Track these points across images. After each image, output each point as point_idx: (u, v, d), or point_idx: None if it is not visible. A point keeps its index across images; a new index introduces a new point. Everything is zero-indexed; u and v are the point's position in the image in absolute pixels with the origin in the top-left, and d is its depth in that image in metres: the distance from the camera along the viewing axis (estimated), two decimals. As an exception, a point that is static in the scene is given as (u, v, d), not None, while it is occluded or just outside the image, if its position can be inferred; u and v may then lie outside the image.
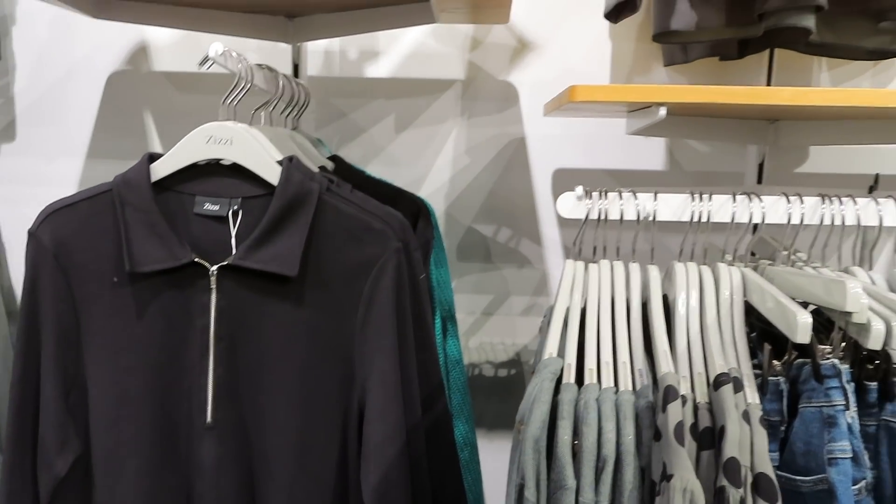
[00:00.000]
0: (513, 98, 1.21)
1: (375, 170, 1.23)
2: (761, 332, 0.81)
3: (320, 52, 1.24)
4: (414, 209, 1.02)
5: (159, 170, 0.84)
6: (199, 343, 0.85)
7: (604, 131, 1.19)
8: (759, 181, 1.10)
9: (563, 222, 1.22)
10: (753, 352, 0.79)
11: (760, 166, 1.10)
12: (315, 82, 1.24)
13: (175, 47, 1.25)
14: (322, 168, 0.99)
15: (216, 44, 0.80)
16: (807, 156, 1.18)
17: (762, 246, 0.97)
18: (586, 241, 0.86)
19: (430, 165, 1.23)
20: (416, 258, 0.92)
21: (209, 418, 0.86)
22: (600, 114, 1.02)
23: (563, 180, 1.22)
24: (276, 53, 1.24)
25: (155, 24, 1.07)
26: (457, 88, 1.21)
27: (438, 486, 0.93)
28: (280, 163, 0.84)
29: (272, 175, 0.84)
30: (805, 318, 0.66)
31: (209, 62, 0.80)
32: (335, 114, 1.24)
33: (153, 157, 0.86)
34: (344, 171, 1.06)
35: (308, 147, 1.03)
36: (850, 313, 0.66)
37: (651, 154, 1.20)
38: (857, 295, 0.65)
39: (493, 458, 1.25)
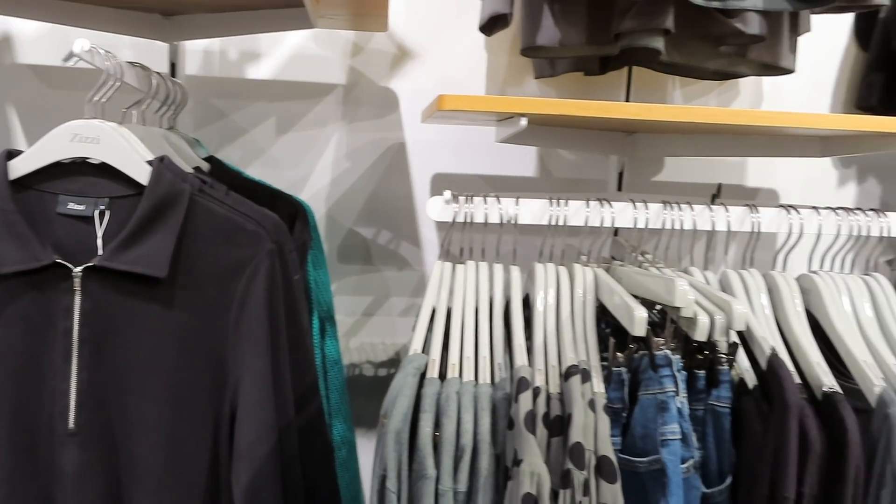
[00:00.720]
0: (393, 104, 1.24)
1: (256, 172, 1.23)
2: (615, 329, 0.88)
3: (199, 52, 1.22)
4: (291, 211, 1.03)
5: (18, 167, 0.81)
6: (61, 346, 0.83)
7: (479, 138, 1.25)
8: (620, 188, 1.18)
9: (441, 225, 1.27)
10: (607, 346, 0.86)
11: (620, 175, 1.18)
12: (194, 82, 1.22)
13: (43, 40, 1.20)
14: (197, 169, 0.98)
15: (81, 39, 0.78)
16: (663, 166, 1.29)
17: (618, 248, 1.05)
18: (455, 242, 0.90)
19: (311, 168, 1.24)
20: (291, 259, 0.93)
21: (72, 424, 0.83)
22: (472, 122, 1.07)
23: (441, 184, 1.26)
24: (154, 51, 1.21)
25: (23, 17, 1.02)
26: (338, 93, 1.23)
27: (311, 486, 0.95)
28: (150, 162, 0.84)
29: (141, 175, 0.83)
30: (641, 313, 0.73)
31: (73, 59, 0.78)
32: (215, 114, 1.23)
33: (12, 154, 0.83)
34: (220, 172, 1.06)
35: (183, 147, 1.02)
36: (679, 308, 0.73)
37: (523, 161, 1.27)
38: (684, 292, 0.72)
39: (373, 456, 1.28)
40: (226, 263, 0.86)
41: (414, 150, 1.25)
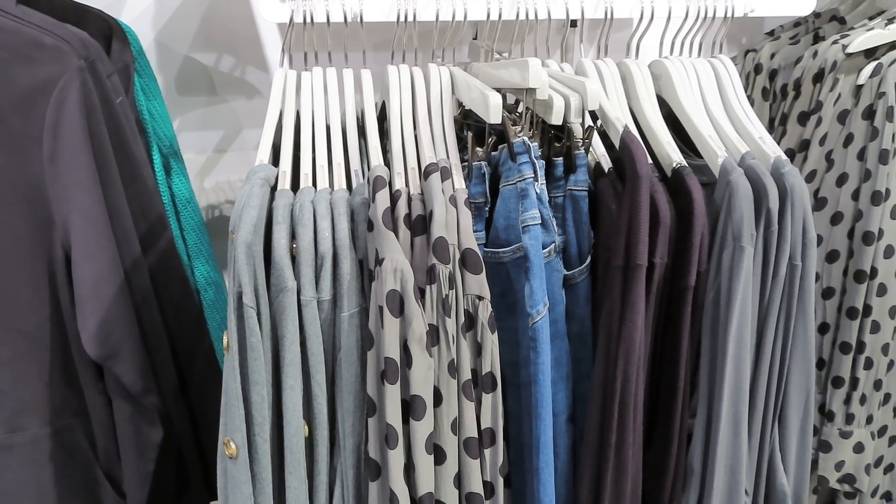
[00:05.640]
0: None
1: (59, -7, 1.05)
2: (477, 131, 0.85)
3: None
4: (105, 29, 0.89)
5: None
6: None
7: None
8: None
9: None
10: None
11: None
12: None
13: None
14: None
15: None
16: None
17: (477, 53, 1.00)
18: (299, 49, 0.82)
19: (128, -14, 1.07)
20: (109, 81, 0.82)
21: None
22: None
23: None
24: None
25: None
26: None
27: (174, 324, 0.90)
28: None
29: None
30: (496, 99, 0.70)
31: None
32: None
33: None
34: (8, -13, 0.89)
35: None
36: (534, 92, 0.71)
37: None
38: (537, 72, 0.69)
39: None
40: (25, 86, 0.74)
41: (247, -41, 1.11)
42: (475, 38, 1.05)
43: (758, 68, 1.19)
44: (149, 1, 1.09)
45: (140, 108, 0.94)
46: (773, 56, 1.17)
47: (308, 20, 0.79)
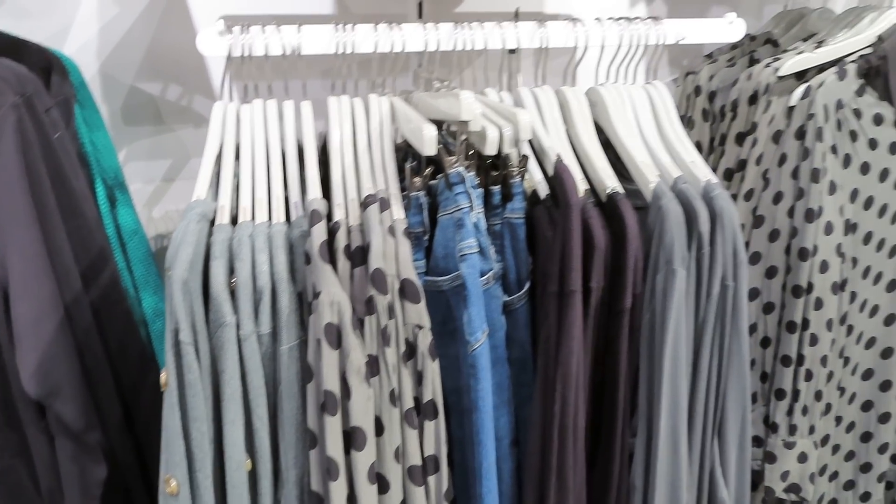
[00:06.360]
0: (157, -66, 1.08)
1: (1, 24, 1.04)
2: (420, 160, 0.86)
3: None
4: (43, 63, 0.89)
5: None
6: None
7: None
8: (420, 19, 1.13)
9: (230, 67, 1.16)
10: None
11: (420, 6, 1.13)
12: None
13: None
14: None
15: None
16: (464, -5, 1.24)
17: (420, 81, 1.01)
18: (241, 82, 0.82)
19: (70, 18, 1.07)
20: (47, 116, 0.81)
21: None
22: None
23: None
24: None
25: None
26: (89, -76, 1.05)
27: (119, 358, 0.89)
28: None
29: None
30: (430, 131, 0.72)
31: None
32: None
33: None
34: (-57, 21, 0.88)
35: None
36: (467, 122, 0.72)
37: (319, -3, 1.18)
38: (469, 105, 0.71)
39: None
40: (-42, 123, 0.74)
41: (192, -11, 1.12)
42: (420, 66, 1.06)
43: (697, 90, 1.22)
44: (92, 32, 1.09)
45: (82, 140, 0.94)
46: (711, 78, 1.21)
47: (246, 54, 0.79)
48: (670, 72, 1.39)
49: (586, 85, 0.91)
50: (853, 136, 1.04)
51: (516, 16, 1.11)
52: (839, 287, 1.07)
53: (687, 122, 1.25)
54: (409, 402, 0.72)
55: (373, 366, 0.70)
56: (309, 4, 1.17)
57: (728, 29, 0.93)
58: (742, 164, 1.12)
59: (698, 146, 1.22)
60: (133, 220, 1.01)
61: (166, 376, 0.67)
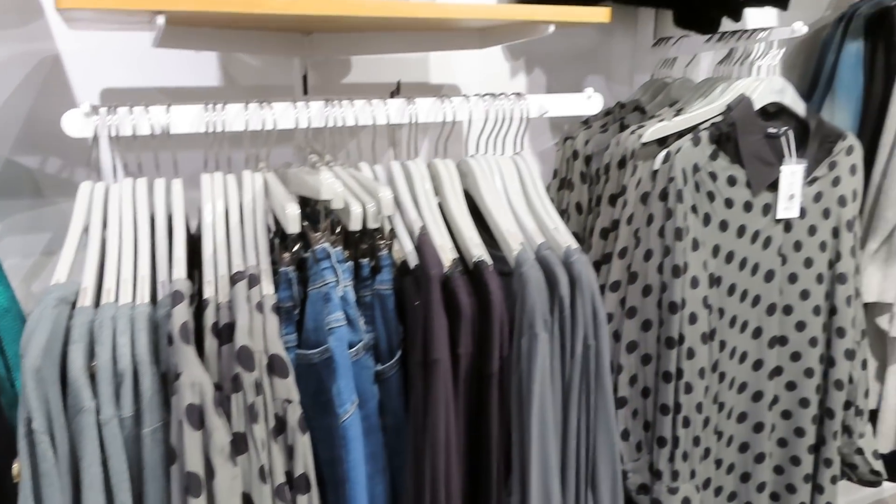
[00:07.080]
0: (35, 9, 1.08)
1: None
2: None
3: None
4: None
5: None
6: None
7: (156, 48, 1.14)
8: (305, 93, 1.17)
9: (114, 144, 1.16)
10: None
11: (305, 78, 1.16)
12: None
13: None
14: None
15: None
16: (350, 67, 1.29)
17: (301, 154, 1.04)
18: (110, 161, 0.83)
19: (-60, 92, 1.05)
20: None
21: None
22: (122, 25, 0.97)
23: (112, 101, 1.14)
24: None
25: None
26: (-39, 0, 1.04)
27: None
28: None
29: None
30: (293, 210, 0.74)
31: None
32: None
33: None
34: None
35: None
36: (329, 201, 0.75)
37: (205, 69, 1.19)
38: (330, 184, 0.74)
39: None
40: None
41: (72, 62, 1.11)
42: (306, 137, 1.09)
43: (575, 154, 1.30)
44: (-35, 106, 1.07)
45: (-52, 219, 0.91)
46: (587, 143, 1.29)
47: (114, 135, 0.80)
48: (552, 136, 1.47)
49: (459, 156, 0.96)
50: (711, 196, 1.12)
51: (398, 88, 1.17)
52: (708, 337, 1.14)
53: (567, 183, 1.32)
54: (280, 478, 0.73)
55: (240, 443, 0.70)
56: (194, 77, 1.19)
57: (587, 103, 1.01)
58: (615, 224, 1.19)
59: (579, 207, 1.30)
60: (5, 298, 0.98)
61: (19, 467, 0.65)
